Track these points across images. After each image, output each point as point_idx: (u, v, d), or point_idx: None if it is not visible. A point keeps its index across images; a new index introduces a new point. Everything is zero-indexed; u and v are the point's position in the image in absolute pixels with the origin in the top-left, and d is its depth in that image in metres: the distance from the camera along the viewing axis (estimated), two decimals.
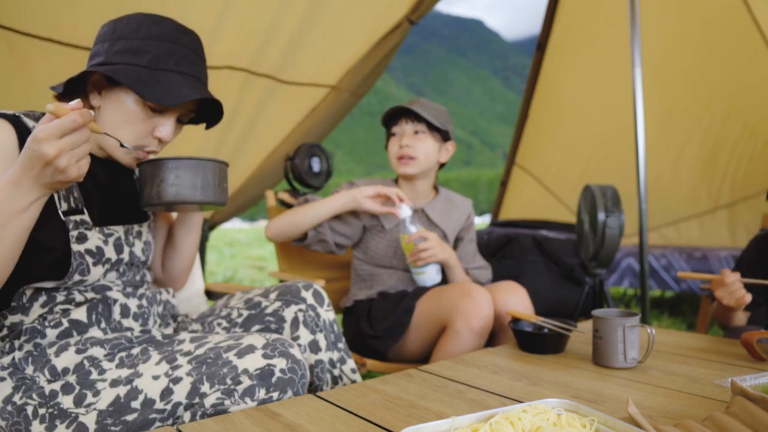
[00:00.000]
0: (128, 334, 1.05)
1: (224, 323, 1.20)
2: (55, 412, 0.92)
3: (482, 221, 10.74)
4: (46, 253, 0.98)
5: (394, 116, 1.69)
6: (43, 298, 1.01)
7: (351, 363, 1.21)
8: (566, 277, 2.73)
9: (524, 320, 1.35)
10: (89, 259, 1.02)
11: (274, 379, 0.95)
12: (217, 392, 0.92)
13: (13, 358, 0.98)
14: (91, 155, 1.09)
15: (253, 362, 0.95)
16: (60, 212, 1.00)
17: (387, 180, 1.78)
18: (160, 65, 0.99)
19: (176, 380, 0.93)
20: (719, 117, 3.89)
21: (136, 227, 1.14)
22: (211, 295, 1.75)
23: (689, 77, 3.78)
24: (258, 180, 3.20)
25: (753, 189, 4.02)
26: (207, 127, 1.19)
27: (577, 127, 4.29)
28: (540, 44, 4.02)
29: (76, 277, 1.01)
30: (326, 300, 1.21)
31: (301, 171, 2.19)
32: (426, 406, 0.92)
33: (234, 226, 12.75)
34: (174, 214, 1.36)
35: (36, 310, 1.01)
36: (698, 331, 1.70)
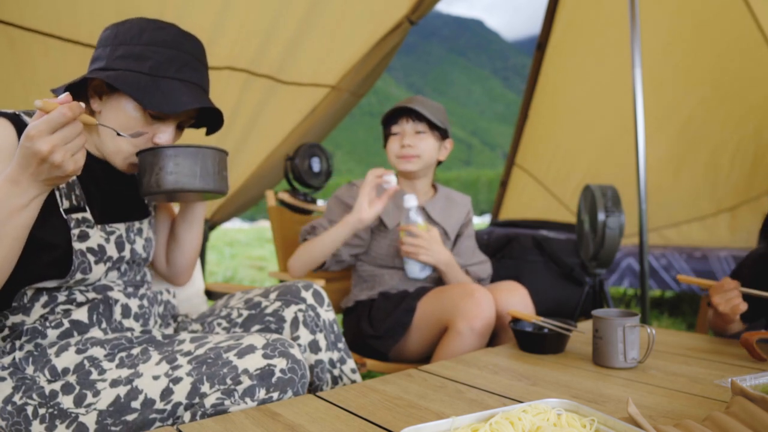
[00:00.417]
0: (128, 334, 1.05)
1: (224, 323, 1.20)
2: (55, 412, 0.92)
3: (482, 221, 10.74)
4: (48, 252, 0.98)
5: (394, 115, 1.69)
6: (44, 299, 1.01)
7: (351, 363, 1.21)
8: (566, 277, 2.73)
9: (524, 320, 1.35)
10: (91, 258, 1.02)
11: (274, 379, 0.95)
12: (217, 392, 0.92)
13: (14, 358, 0.98)
14: (92, 154, 1.10)
15: (254, 362, 0.95)
16: (61, 210, 1.00)
17: None
18: (161, 72, 0.99)
19: (176, 380, 0.93)
20: (720, 117, 3.88)
21: (137, 224, 1.15)
22: (211, 295, 1.75)
23: (690, 77, 3.77)
24: (258, 180, 3.20)
25: (755, 191, 4.02)
26: (207, 134, 1.19)
27: (577, 128, 4.29)
28: (540, 44, 4.02)
29: (78, 276, 1.01)
30: (326, 300, 1.21)
31: (301, 171, 2.19)
32: (426, 406, 0.92)
33: (234, 226, 12.76)
34: (176, 208, 1.36)
35: (37, 310, 1.01)
36: (698, 331, 1.70)
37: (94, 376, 0.95)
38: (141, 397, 0.92)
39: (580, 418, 0.74)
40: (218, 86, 2.55)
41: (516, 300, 1.54)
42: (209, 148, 1.02)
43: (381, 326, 1.57)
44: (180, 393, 0.92)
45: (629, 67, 2.45)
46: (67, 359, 0.97)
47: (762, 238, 1.54)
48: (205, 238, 3.53)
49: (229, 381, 0.93)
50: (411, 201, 1.59)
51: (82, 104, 0.83)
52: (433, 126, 1.68)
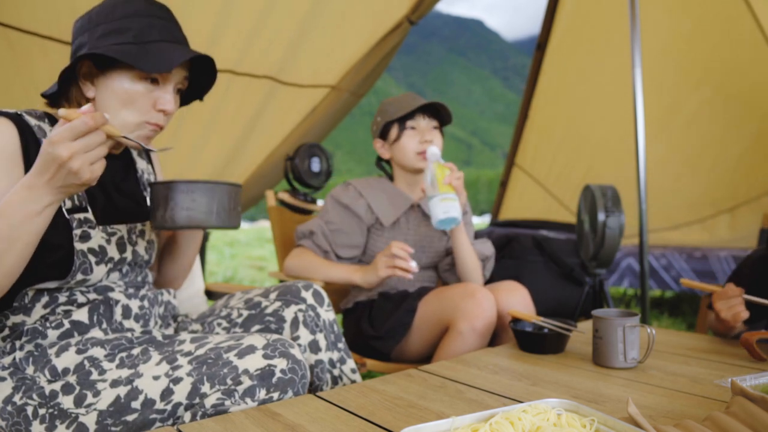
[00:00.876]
0: (129, 334, 1.05)
1: (224, 323, 1.20)
2: (56, 413, 0.92)
3: (482, 221, 10.73)
4: (49, 252, 0.98)
5: (410, 112, 1.68)
6: (45, 299, 1.01)
7: (351, 363, 1.21)
8: (566, 277, 2.73)
9: (524, 320, 1.35)
10: (92, 258, 1.02)
11: (274, 380, 0.95)
12: (217, 392, 0.92)
13: (14, 358, 0.98)
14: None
15: (254, 362, 0.94)
16: (64, 210, 1.00)
17: (381, 179, 1.76)
18: (146, 38, 1.00)
19: (176, 380, 0.93)
20: (720, 118, 3.88)
21: (138, 226, 1.14)
22: (211, 295, 1.75)
23: (689, 77, 3.77)
24: (258, 180, 3.20)
25: (755, 192, 4.02)
26: (201, 97, 1.18)
27: (577, 128, 4.29)
28: (540, 44, 4.02)
29: (79, 276, 1.01)
30: (326, 300, 1.21)
31: (301, 171, 2.19)
32: (426, 406, 0.92)
33: None
34: None
35: (38, 310, 1.01)
36: (698, 331, 1.70)
37: (95, 376, 0.95)
38: (141, 398, 0.92)
39: (580, 418, 0.74)
40: (219, 87, 2.55)
41: (516, 300, 1.54)
42: (226, 185, 1.00)
43: (382, 327, 1.57)
44: (180, 393, 0.92)
45: (629, 67, 2.46)
46: (68, 359, 0.97)
47: (762, 236, 1.54)
48: (205, 238, 3.53)
49: (229, 381, 0.93)
50: (435, 150, 1.59)
51: (107, 115, 0.84)
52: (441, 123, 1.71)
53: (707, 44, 3.56)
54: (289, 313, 1.16)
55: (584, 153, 4.33)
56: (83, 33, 1.02)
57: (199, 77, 1.14)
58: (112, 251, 1.06)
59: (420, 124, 1.66)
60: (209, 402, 0.92)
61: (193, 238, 1.26)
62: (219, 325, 1.20)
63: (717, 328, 1.40)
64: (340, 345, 1.21)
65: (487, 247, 1.77)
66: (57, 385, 0.94)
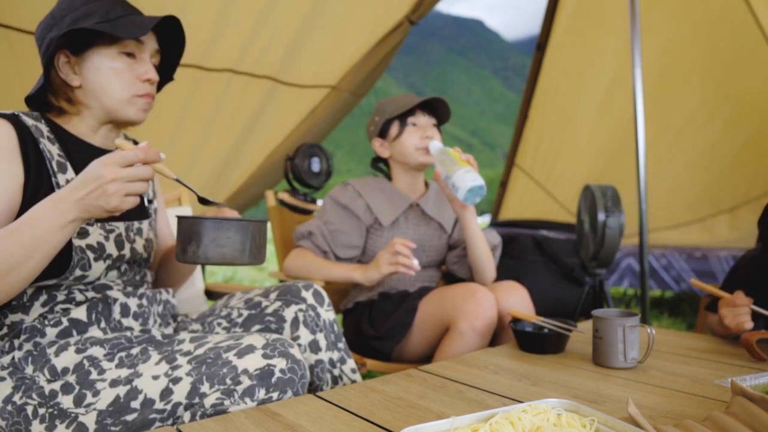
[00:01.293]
0: (128, 333, 1.05)
1: (224, 323, 1.20)
2: (55, 412, 0.92)
3: (482, 221, 10.73)
4: None
5: (410, 108, 1.69)
6: (43, 297, 1.01)
7: (351, 363, 1.21)
8: (566, 277, 2.73)
9: (524, 320, 1.35)
10: (90, 254, 1.03)
11: (274, 379, 0.95)
12: (216, 392, 0.92)
13: (13, 358, 0.98)
14: (96, 148, 1.11)
15: (253, 362, 0.94)
16: None
17: (380, 179, 1.76)
18: (112, 16, 1.03)
19: (176, 380, 0.93)
20: (720, 118, 3.88)
21: (136, 224, 1.15)
22: (211, 295, 1.75)
23: (690, 77, 3.77)
24: (258, 180, 3.20)
25: (755, 192, 4.02)
26: (171, 73, 1.21)
27: (576, 128, 4.29)
28: (540, 44, 4.02)
29: (78, 272, 1.01)
30: (326, 300, 1.21)
31: (301, 171, 2.19)
32: (426, 406, 0.92)
33: None
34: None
35: (36, 309, 1.01)
36: (698, 331, 1.70)
37: (94, 375, 0.95)
38: (141, 397, 0.92)
39: (580, 418, 0.74)
40: (218, 87, 2.56)
41: (516, 300, 1.54)
42: (257, 222, 1.00)
43: (382, 327, 1.57)
44: (180, 393, 0.92)
45: (629, 67, 2.46)
46: (67, 359, 0.97)
47: (760, 230, 1.53)
48: None
49: (228, 381, 0.93)
50: (438, 143, 1.60)
51: (163, 155, 0.88)
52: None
53: (707, 44, 3.56)
54: (289, 313, 1.16)
55: (584, 153, 4.32)
56: (51, 30, 1.03)
57: (169, 57, 1.18)
58: (111, 248, 1.07)
59: (420, 121, 1.67)
60: (209, 402, 0.92)
61: None
62: (219, 324, 1.20)
63: (718, 331, 1.40)
64: (341, 345, 1.21)
65: (494, 236, 1.77)
66: (57, 385, 0.94)
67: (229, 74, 2.54)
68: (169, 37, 1.15)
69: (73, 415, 0.91)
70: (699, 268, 3.55)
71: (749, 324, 1.25)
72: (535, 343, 1.27)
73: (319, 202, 2.25)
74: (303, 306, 1.16)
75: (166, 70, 1.20)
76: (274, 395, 0.95)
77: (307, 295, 1.18)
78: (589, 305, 2.28)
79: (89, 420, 0.91)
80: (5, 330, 1.01)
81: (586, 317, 2.34)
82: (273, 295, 1.20)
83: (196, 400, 0.92)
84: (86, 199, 0.84)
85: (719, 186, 4.12)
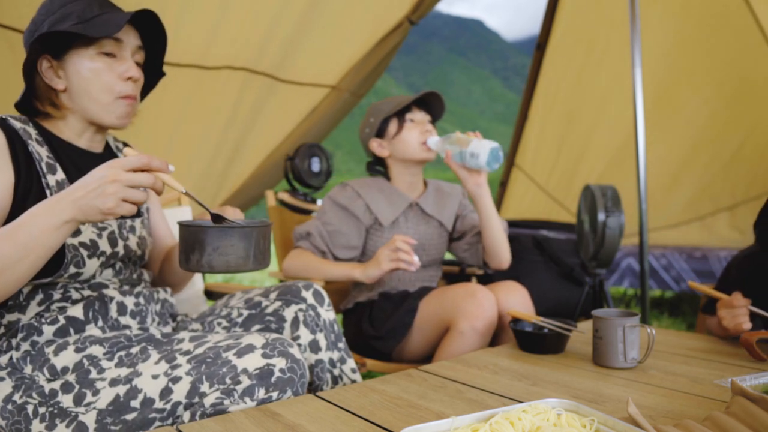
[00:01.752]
0: (127, 332, 1.05)
1: (224, 323, 1.20)
2: (55, 411, 0.92)
3: None
4: None
5: (406, 106, 1.69)
6: (39, 296, 1.02)
7: (351, 363, 1.21)
8: (566, 277, 2.73)
9: (524, 320, 1.35)
10: (83, 252, 1.03)
11: (273, 379, 0.95)
12: (216, 392, 0.92)
13: (11, 357, 0.98)
14: (83, 151, 1.11)
15: (253, 362, 0.94)
16: None
17: (379, 179, 1.76)
18: (88, 15, 1.02)
19: (176, 379, 0.93)
20: (720, 117, 3.88)
21: (128, 222, 1.15)
22: (211, 295, 1.75)
23: (690, 77, 3.77)
24: (258, 180, 3.20)
25: (755, 191, 4.02)
26: (156, 67, 1.19)
27: (576, 128, 4.28)
28: (539, 44, 4.02)
29: (72, 270, 1.01)
30: (326, 300, 1.21)
31: (301, 171, 2.19)
32: (426, 406, 0.92)
33: None
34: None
35: (33, 308, 1.01)
36: (698, 331, 1.70)
37: (94, 375, 0.95)
38: (140, 397, 0.92)
39: (580, 418, 0.74)
40: (217, 85, 2.55)
41: (516, 300, 1.54)
42: (262, 226, 0.97)
43: (382, 327, 1.57)
44: (179, 392, 0.92)
45: (629, 67, 2.46)
46: (66, 358, 0.97)
47: (756, 229, 1.53)
48: None
49: (228, 380, 0.93)
50: (436, 137, 1.64)
51: (172, 167, 0.88)
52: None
53: (707, 44, 3.56)
54: (289, 313, 1.16)
55: (584, 153, 4.32)
56: (33, 33, 1.03)
57: (156, 53, 1.17)
58: (104, 245, 1.07)
59: (417, 117, 1.69)
60: (208, 401, 0.92)
61: None
62: (219, 324, 1.20)
63: (717, 333, 1.40)
64: (341, 345, 1.21)
65: (501, 219, 1.77)
66: (56, 384, 0.94)
67: (227, 72, 2.54)
68: (153, 33, 1.14)
69: (73, 414, 0.91)
70: (699, 268, 3.55)
71: (747, 325, 1.25)
72: (535, 343, 1.27)
73: (319, 202, 2.25)
74: (303, 306, 1.16)
75: (155, 67, 1.19)
76: (274, 395, 0.95)
77: (307, 294, 1.18)
78: (589, 305, 2.28)
79: (89, 419, 0.91)
80: (2, 330, 1.01)
81: (586, 317, 2.34)
82: (273, 295, 1.20)
83: (196, 399, 0.92)
84: (84, 198, 0.83)
85: (719, 183, 4.12)
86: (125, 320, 1.08)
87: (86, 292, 1.05)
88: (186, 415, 0.93)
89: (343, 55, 2.91)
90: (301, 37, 2.62)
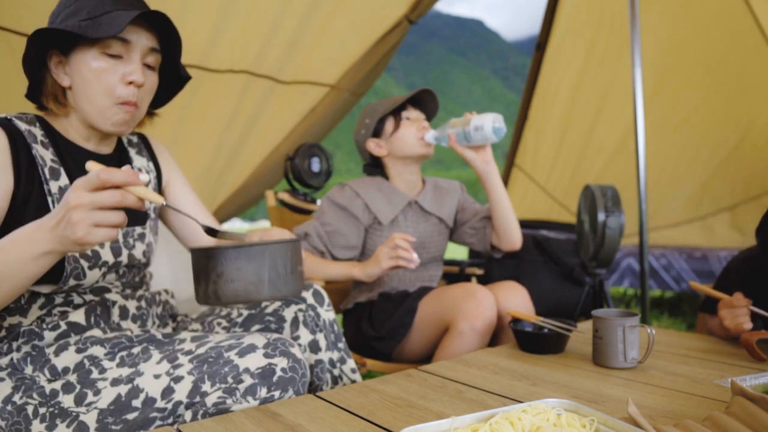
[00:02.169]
0: (128, 333, 1.04)
1: (224, 323, 1.20)
2: (56, 412, 0.92)
3: None
4: None
5: (401, 104, 1.70)
6: (41, 300, 1.01)
7: (351, 363, 1.21)
8: (566, 277, 2.73)
9: (524, 320, 1.35)
10: (84, 263, 1.01)
11: (275, 378, 0.95)
12: (218, 391, 0.92)
13: (11, 359, 0.98)
14: (91, 153, 1.08)
15: (255, 361, 0.95)
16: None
17: (377, 178, 1.76)
18: (99, 12, 0.97)
19: (177, 379, 0.93)
20: (720, 117, 3.89)
21: (138, 229, 1.12)
22: None
23: (690, 77, 3.77)
24: (258, 180, 3.20)
25: (755, 191, 4.02)
26: (174, 65, 1.12)
27: (576, 128, 4.29)
28: (539, 44, 4.02)
29: (72, 282, 1.00)
30: (326, 300, 1.21)
31: (301, 171, 2.19)
32: (426, 406, 0.92)
33: (234, 226, 12.76)
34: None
35: (34, 312, 1.01)
36: (698, 331, 1.70)
37: (95, 375, 0.95)
38: (142, 396, 0.92)
39: (580, 418, 0.74)
40: (218, 88, 2.56)
41: (516, 300, 1.54)
42: (279, 243, 0.81)
43: (382, 327, 1.57)
44: (181, 392, 0.92)
45: (629, 67, 2.46)
46: (67, 358, 0.97)
47: (758, 235, 1.54)
48: None
49: (230, 380, 0.93)
50: (433, 132, 1.65)
51: (143, 177, 0.76)
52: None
53: (707, 44, 3.56)
54: (289, 313, 1.16)
55: (584, 153, 4.32)
56: (51, 26, 1.02)
57: (170, 44, 1.09)
58: (106, 255, 1.04)
59: (413, 115, 1.70)
60: (210, 401, 0.92)
61: None
62: (219, 324, 1.20)
63: (717, 333, 1.40)
64: (340, 345, 1.21)
65: None
66: (57, 384, 0.94)
67: (228, 74, 2.54)
68: (168, 34, 1.07)
69: (73, 414, 0.91)
70: (699, 268, 3.55)
71: (748, 325, 1.25)
72: (535, 343, 1.27)
73: (319, 202, 2.25)
74: (303, 306, 1.16)
75: (173, 72, 1.14)
76: (276, 394, 0.95)
77: (307, 295, 1.18)
78: (589, 305, 2.28)
79: (90, 419, 0.91)
80: (3, 332, 1.00)
81: (586, 317, 2.34)
82: None
83: (198, 398, 0.92)
84: (56, 229, 0.75)
85: (718, 182, 4.12)
86: (126, 324, 1.08)
87: (88, 297, 1.05)
88: (188, 415, 0.93)
89: (343, 55, 2.91)
90: (301, 36, 2.62)
